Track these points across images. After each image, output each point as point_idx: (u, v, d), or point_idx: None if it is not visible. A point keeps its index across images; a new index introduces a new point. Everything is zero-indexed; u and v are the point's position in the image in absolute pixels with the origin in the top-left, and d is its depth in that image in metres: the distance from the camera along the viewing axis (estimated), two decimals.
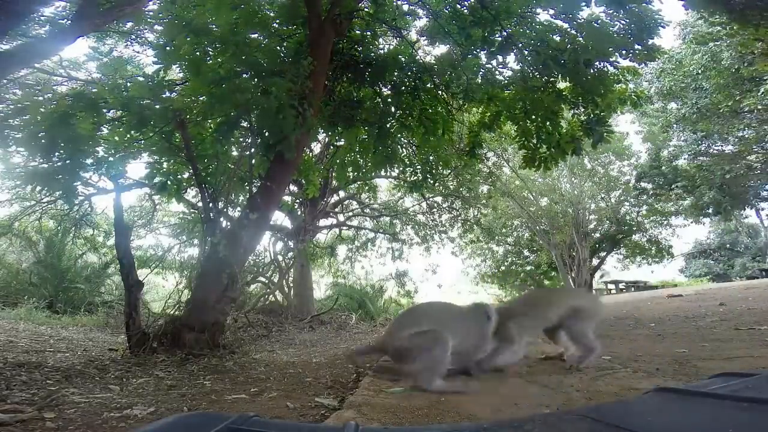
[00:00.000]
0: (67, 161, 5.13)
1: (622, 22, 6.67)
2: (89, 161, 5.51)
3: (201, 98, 6.02)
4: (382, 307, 14.10)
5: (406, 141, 9.38)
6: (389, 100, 8.11)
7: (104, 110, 5.53)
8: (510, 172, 24.57)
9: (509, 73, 7.93)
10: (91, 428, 2.46)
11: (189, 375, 4.05)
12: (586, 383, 2.83)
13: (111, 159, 5.96)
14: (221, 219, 5.97)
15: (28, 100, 5.50)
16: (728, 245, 30.02)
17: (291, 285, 12.19)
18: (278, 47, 7.18)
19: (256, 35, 6.88)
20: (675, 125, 20.25)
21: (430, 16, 7.99)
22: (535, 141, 7.87)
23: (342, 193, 15.36)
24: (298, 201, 12.52)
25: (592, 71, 7.08)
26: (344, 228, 16.49)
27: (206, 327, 5.20)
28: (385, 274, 17.16)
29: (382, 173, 13.31)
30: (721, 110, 16.82)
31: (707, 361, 3.45)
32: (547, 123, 7.61)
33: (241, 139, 6.59)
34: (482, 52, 7.67)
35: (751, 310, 7.06)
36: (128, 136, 6.11)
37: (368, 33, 8.08)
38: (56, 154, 5.06)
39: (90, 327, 8.65)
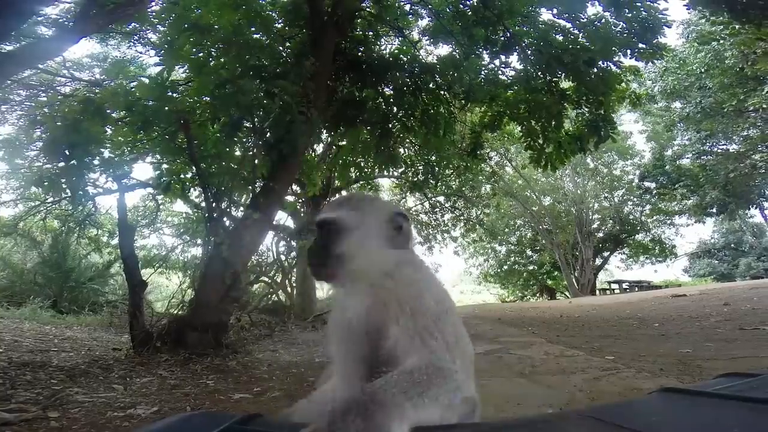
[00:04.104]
0: (75, 162, 5.18)
1: (625, 21, 6.66)
2: (96, 162, 5.58)
3: (205, 99, 6.05)
4: None
5: (408, 141, 9.38)
6: (391, 100, 8.11)
7: (109, 112, 5.57)
8: (513, 172, 24.55)
9: (512, 73, 7.93)
10: (95, 427, 2.47)
11: (192, 374, 4.06)
12: (589, 383, 2.83)
13: (117, 160, 6.01)
14: (224, 219, 5.99)
15: (45, 119, 5.59)
16: (733, 245, 29.85)
17: (294, 285, 12.20)
18: (280, 48, 7.19)
19: (258, 36, 6.89)
20: (679, 124, 20.18)
21: (433, 16, 7.99)
22: (541, 141, 7.86)
23: (344, 193, 15.38)
24: (300, 201, 12.53)
25: (594, 70, 7.07)
26: None
27: (209, 327, 5.21)
28: None
29: (385, 173, 13.32)
30: (725, 109, 16.73)
31: (712, 361, 3.43)
32: (552, 123, 7.61)
33: (244, 140, 6.60)
34: (485, 52, 7.66)
35: (756, 310, 7.02)
36: (133, 137, 6.15)
37: (370, 33, 8.08)
38: (68, 156, 5.11)
39: (94, 326, 8.68)
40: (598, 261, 27.62)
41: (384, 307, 0.99)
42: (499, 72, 7.93)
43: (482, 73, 7.77)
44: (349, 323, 1.06)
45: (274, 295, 11.52)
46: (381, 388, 0.77)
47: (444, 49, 8.63)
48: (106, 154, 5.95)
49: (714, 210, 22.40)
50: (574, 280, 25.36)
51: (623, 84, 7.74)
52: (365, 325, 1.02)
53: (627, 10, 6.49)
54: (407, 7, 8.38)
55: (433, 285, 1.03)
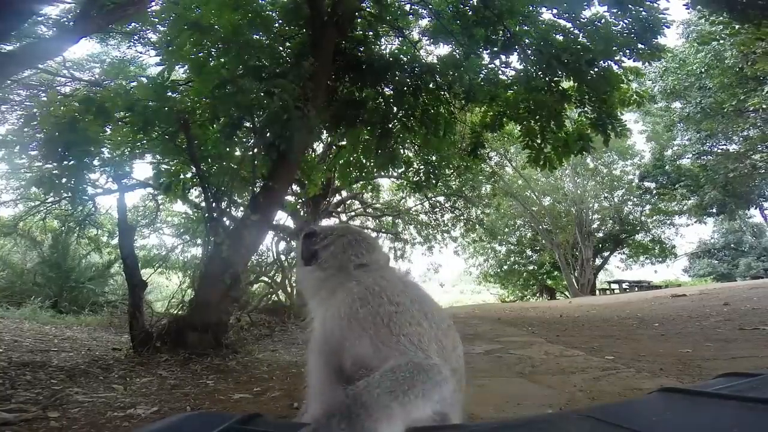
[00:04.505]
0: (73, 162, 5.18)
1: (626, 21, 6.65)
2: (96, 162, 5.58)
3: (205, 99, 6.05)
4: None
5: (408, 141, 9.37)
6: (391, 100, 8.11)
7: (110, 112, 5.57)
8: (513, 172, 24.56)
9: (512, 73, 7.93)
10: (94, 427, 2.47)
11: (192, 374, 4.06)
12: (589, 383, 2.83)
13: (117, 160, 6.01)
14: (224, 219, 5.99)
15: (42, 119, 5.60)
16: (732, 245, 29.85)
17: (294, 285, 12.19)
18: (280, 48, 7.19)
19: (258, 36, 6.89)
20: (679, 124, 20.18)
21: (433, 16, 7.99)
22: (539, 141, 7.85)
23: (344, 193, 15.38)
24: (300, 201, 12.54)
25: (596, 70, 7.07)
26: None
27: (209, 327, 5.21)
28: None
29: (384, 173, 13.34)
30: (725, 109, 16.73)
31: (711, 361, 3.43)
32: (552, 123, 7.60)
33: (244, 140, 6.60)
34: (485, 52, 7.66)
35: (756, 310, 7.03)
36: (132, 137, 6.15)
37: (370, 33, 8.08)
38: (65, 156, 5.11)
39: (94, 326, 8.68)
40: (598, 261, 27.62)
41: (335, 323, 0.98)
42: (499, 72, 7.92)
43: (482, 73, 7.76)
44: (313, 342, 1.07)
45: (274, 295, 11.52)
46: (365, 389, 0.73)
47: (444, 49, 8.61)
48: (106, 153, 5.96)
49: (714, 210, 22.41)
50: (574, 280, 25.36)
51: (624, 85, 7.73)
52: (326, 342, 1.01)
53: (631, 7, 6.46)
54: (407, 7, 8.37)
55: (389, 288, 1.00)
